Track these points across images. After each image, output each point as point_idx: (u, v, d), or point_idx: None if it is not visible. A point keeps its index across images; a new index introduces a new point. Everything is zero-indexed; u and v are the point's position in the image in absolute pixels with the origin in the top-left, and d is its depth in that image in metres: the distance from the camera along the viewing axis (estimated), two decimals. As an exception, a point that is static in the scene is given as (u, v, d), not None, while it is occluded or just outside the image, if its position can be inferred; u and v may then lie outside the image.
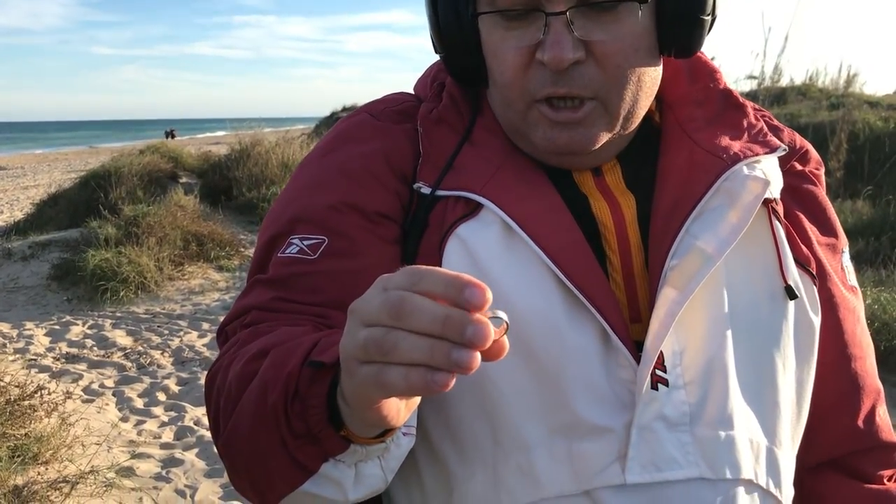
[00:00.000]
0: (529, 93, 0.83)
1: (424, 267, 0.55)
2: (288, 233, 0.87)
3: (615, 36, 0.80)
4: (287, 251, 0.85)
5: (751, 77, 8.78)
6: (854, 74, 11.85)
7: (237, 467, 0.76)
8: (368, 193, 0.87)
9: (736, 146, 0.87)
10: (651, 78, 0.86)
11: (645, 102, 0.86)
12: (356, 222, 0.86)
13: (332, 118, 20.46)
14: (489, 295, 0.52)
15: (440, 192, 0.86)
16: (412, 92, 1.00)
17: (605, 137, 0.85)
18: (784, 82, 11.86)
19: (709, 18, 0.85)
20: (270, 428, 0.69)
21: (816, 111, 10.15)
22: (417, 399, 0.62)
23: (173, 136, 26.80)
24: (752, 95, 10.82)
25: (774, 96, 11.02)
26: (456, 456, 0.83)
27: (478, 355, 0.51)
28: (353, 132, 0.94)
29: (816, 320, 0.87)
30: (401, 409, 0.61)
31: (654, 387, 0.79)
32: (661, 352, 0.80)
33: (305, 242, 0.85)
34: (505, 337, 0.54)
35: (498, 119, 0.90)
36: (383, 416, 0.59)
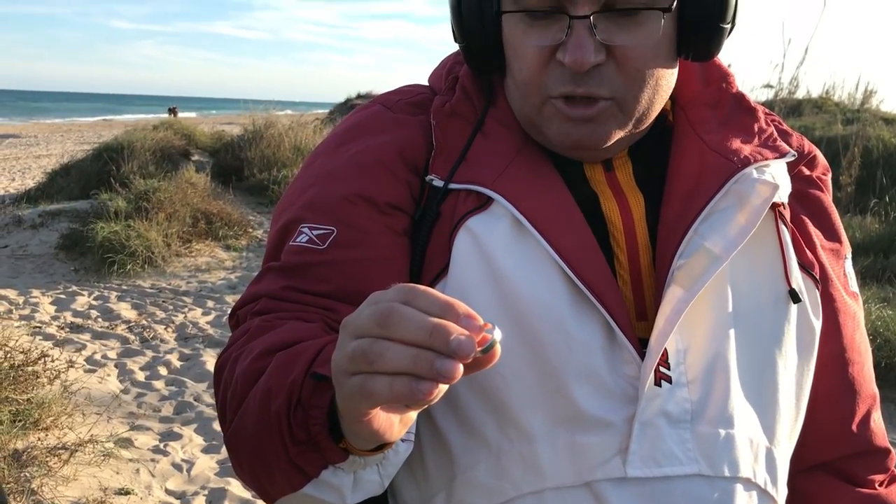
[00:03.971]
0: (546, 89, 0.84)
1: (419, 286, 0.56)
2: (299, 220, 0.88)
3: (636, 40, 0.81)
4: (298, 240, 0.87)
5: (768, 86, 8.76)
6: (871, 91, 11.80)
7: (241, 463, 0.77)
8: (380, 184, 0.88)
9: (746, 149, 0.88)
10: (667, 80, 0.87)
11: (659, 103, 0.88)
12: (367, 213, 0.87)
13: (347, 104, 20.45)
14: (482, 322, 0.54)
15: (452, 185, 0.87)
16: (427, 84, 1.01)
17: (618, 135, 0.86)
18: (801, 94, 11.82)
19: (728, 26, 0.86)
20: (273, 433, 0.70)
21: (831, 125, 10.11)
22: (413, 414, 0.63)
23: (176, 114, 26.80)
24: (768, 105, 10.78)
25: (790, 107, 10.98)
26: (460, 443, 0.84)
27: (460, 366, 0.52)
28: (367, 123, 0.95)
29: (818, 324, 0.89)
30: (394, 424, 0.61)
31: (657, 383, 0.80)
32: (666, 349, 0.81)
33: (315, 232, 0.86)
34: (497, 348, 0.55)
35: (513, 110, 0.92)
36: (374, 430, 0.60)
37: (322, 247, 0.85)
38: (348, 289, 0.83)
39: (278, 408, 0.69)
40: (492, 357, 0.54)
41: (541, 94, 0.85)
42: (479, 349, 0.53)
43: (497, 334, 0.55)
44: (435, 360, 0.52)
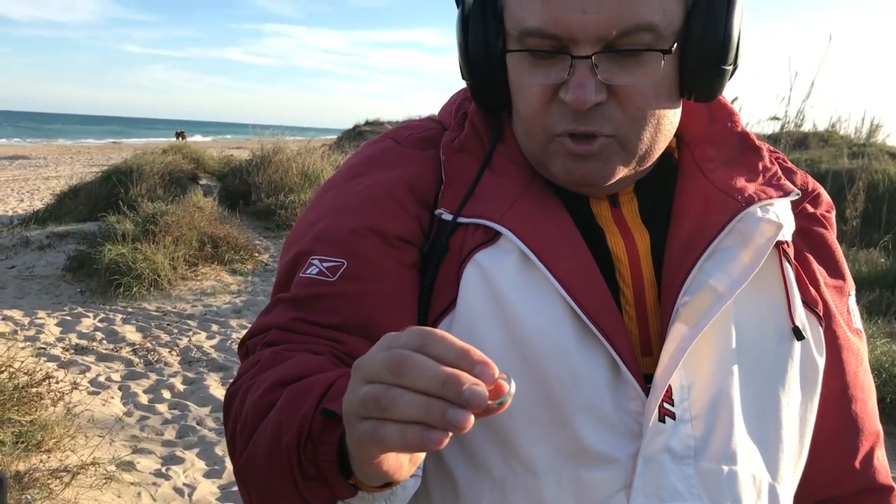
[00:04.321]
0: (550, 128, 0.85)
1: (434, 330, 0.56)
2: (309, 252, 0.89)
3: (638, 80, 0.82)
4: (308, 272, 0.88)
5: (774, 118, 8.80)
6: (878, 125, 11.86)
7: (250, 495, 0.78)
8: (390, 218, 0.89)
9: (751, 188, 0.89)
10: (670, 119, 0.88)
11: (663, 142, 0.89)
12: (376, 246, 0.88)
13: (355, 131, 20.57)
14: (497, 372, 0.54)
15: (461, 219, 0.88)
16: (437, 118, 1.03)
17: (621, 172, 0.87)
18: (807, 127, 11.86)
19: (731, 68, 0.87)
20: (283, 467, 0.71)
21: (837, 158, 10.14)
22: (422, 455, 0.64)
23: (183, 137, 26.96)
24: (774, 138, 10.82)
25: (796, 141, 11.02)
26: (465, 474, 0.85)
27: (472, 417, 0.53)
28: (378, 158, 0.96)
29: (821, 361, 0.90)
30: (403, 465, 0.62)
31: (661, 419, 0.81)
32: (670, 385, 0.82)
33: (325, 264, 0.87)
34: (509, 397, 0.55)
35: (520, 146, 0.93)
36: (384, 471, 0.60)
37: (332, 279, 0.86)
38: (357, 321, 0.84)
39: (288, 442, 0.70)
40: (503, 407, 0.55)
41: (545, 132, 0.86)
42: (492, 402, 0.54)
43: (512, 387, 0.55)
44: (447, 410, 0.52)
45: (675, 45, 0.83)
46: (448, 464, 0.85)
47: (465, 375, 0.53)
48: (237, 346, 0.92)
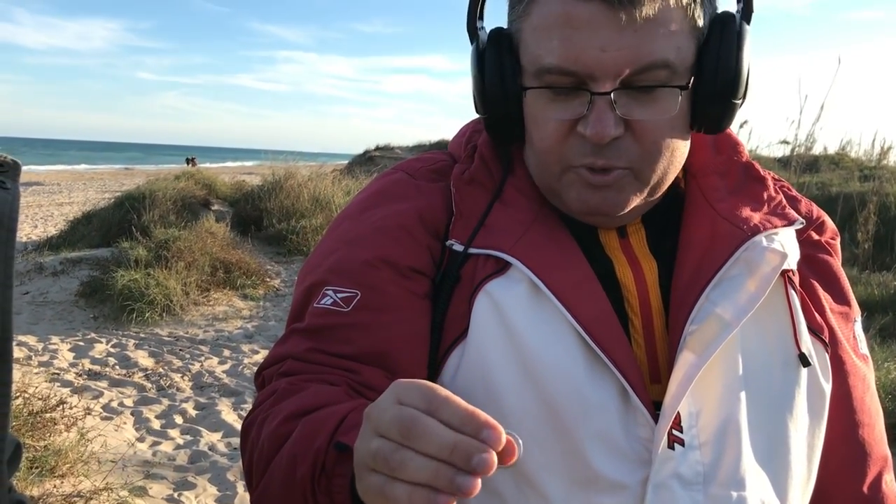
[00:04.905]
0: (567, 160, 0.87)
1: (442, 392, 0.58)
2: (323, 283, 0.92)
3: (654, 115, 0.84)
4: (322, 302, 0.90)
5: (784, 142, 8.80)
6: (889, 147, 11.83)
7: None
8: (402, 249, 0.91)
9: (756, 217, 0.91)
10: (681, 151, 0.90)
11: (673, 172, 0.91)
12: (389, 278, 0.90)
13: (365, 156, 20.67)
14: (503, 436, 0.56)
15: (472, 250, 0.90)
16: (448, 151, 1.05)
17: (634, 201, 0.89)
18: (817, 150, 11.85)
19: (740, 101, 0.89)
20: (298, 498, 0.73)
21: (848, 181, 10.12)
22: None
23: (194, 164, 27.12)
24: (784, 161, 10.81)
25: (807, 164, 11.01)
26: (478, 501, 0.86)
27: (479, 482, 0.55)
28: (391, 190, 0.99)
29: (828, 387, 0.91)
30: None
31: (670, 446, 0.82)
32: (678, 412, 0.83)
33: (339, 295, 0.89)
34: (517, 457, 0.58)
35: (533, 176, 0.95)
36: None
37: (346, 309, 0.88)
38: (371, 351, 0.86)
39: (303, 474, 0.72)
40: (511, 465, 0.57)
41: (561, 164, 0.88)
42: (504, 465, 0.56)
43: (519, 449, 0.58)
44: (455, 476, 0.55)
45: (690, 80, 0.85)
46: None
47: (473, 443, 0.55)
48: (254, 375, 0.94)
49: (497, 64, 0.90)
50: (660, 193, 0.92)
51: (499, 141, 0.96)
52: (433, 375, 0.88)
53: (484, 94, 0.91)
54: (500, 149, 0.98)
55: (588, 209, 0.89)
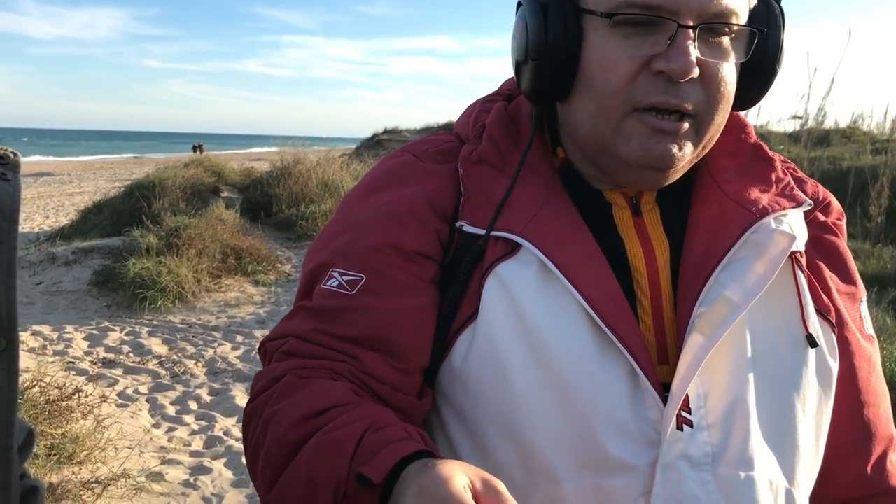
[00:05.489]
0: (634, 101, 0.85)
1: None
2: (329, 265, 0.92)
3: (722, 64, 0.86)
4: (328, 283, 0.90)
5: (795, 117, 8.73)
6: (900, 119, 11.70)
7: None
8: (409, 233, 0.91)
9: (764, 199, 0.91)
10: (726, 119, 0.91)
11: (716, 138, 0.92)
12: (396, 263, 0.90)
13: (373, 140, 20.64)
14: None
15: (478, 231, 0.90)
16: (454, 131, 1.04)
17: (686, 158, 0.88)
18: (828, 124, 11.75)
19: (778, 71, 0.93)
20: None
21: (860, 155, 10.04)
22: None
23: (202, 151, 27.10)
24: (795, 136, 10.73)
25: (818, 138, 10.92)
26: None
27: None
28: (397, 173, 0.98)
29: (835, 366, 0.91)
30: None
31: (679, 427, 0.83)
32: (687, 394, 0.84)
33: (345, 278, 0.90)
34: None
35: (579, 134, 0.92)
36: None
37: (351, 292, 0.89)
38: (373, 335, 0.87)
39: (325, 502, 0.73)
40: None
41: (625, 107, 0.86)
42: None
43: None
44: None
45: (766, 29, 0.89)
46: None
47: None
48: (258, 346, 0.95)
49: (559, 7, 0.88)
50: (699, 158, 0.93)
51: (539, 96, 0.93)
52: (443, 356, 0.89)
53: (545, 34, 0.88)
54: (507, 128, 0.97)
55: (650, 159, 0.86)
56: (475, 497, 0.63)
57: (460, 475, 0.64)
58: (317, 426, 0.78)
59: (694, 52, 0.83)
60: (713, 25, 0.84)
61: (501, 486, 0.65)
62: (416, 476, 0.67)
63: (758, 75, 0.91)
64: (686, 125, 0.86)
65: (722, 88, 0.86)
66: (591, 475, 0.83)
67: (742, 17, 0.86)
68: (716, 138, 0.91)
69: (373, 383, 0.85)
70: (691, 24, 0.82)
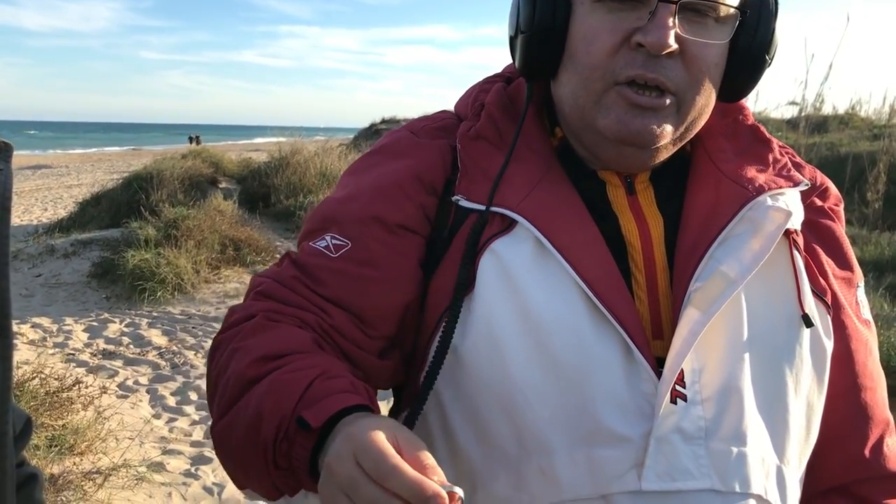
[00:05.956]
0: (614, 74, 0.87)
1: (391, 461, 0.63)
2: (322, 230, 0.96)
3: (705, 43, 0.87)
4: (317, 243, 0.95)
5: (793, 103, 8.72)
6: (898, 105, 11.68)
7: (224, 460, 0.87)
8: (394, 206, 0.94)
9: (761, 178, 0.92)
10: (711, 102, 0.92)
11: (701, 121, 0.92)
12: (378, 235, 0.93)
13: (372, 130, 20.60)
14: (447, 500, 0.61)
15: (475, 206, 0.91)
16: (453, 110, 1.06)
17: (667, 137, 0.89)
18: (826, 110, 11.73)
19: (769, 62, 0.93)
20: (258, 454, 0.78)
21: (858, 141, 10.03)
22: None
23: (199, 142, 26.98)
24: (793, 123, 10.71)
25: (816, 124, 10.90)
26: (481, 456, 0.87)
27: None
28: (391, 148, 1.02)
29: (829, 345, 0.92)
30: None
31: (673, 401, 0.83)
32: (682, 368, 0.84)
33: (333, 241, 0.94)
34: None
35: (564, 109, 0.94)
36: None
37: (333, 255, 0.93)
38: (345, 298, 0.91)
39: (265, 436, 0.77)
40: None
41: (605, 80, 0.87)
42: None
43: (460, 490, 0.63)
44: None
45: (746, 14, 0.89)
46: (463, 448, 0.88)
47: None
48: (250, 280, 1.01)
49: None
50: (684, 141, 0.93)
51: (530, 70, 0.95)
52: (436, 331, 0.90)
53: (533, 10, 0.91)
54: (506, 106, 0.99)
55: (627, 134, 0.88)
56: (397, 450, 0.66)
57: (387, 428, 0.68)
58: (275, 367, 0.82)
59: (673, 28, 0.84)
60: (697, 5, 0.85)
61: (424, 447, 0.68)
62: (348, 425, 0.71)
63: (746, 63, 0.91)
64: (667, 101, 0.87)
65: (703, 68, 0.87)
66: (584, 446, 0.83)
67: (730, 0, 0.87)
68: (700, 122, 0.92)
69: (337, 337, 0.89)
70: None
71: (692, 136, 0.93)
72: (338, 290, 0.91)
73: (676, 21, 0.84)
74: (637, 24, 0.85)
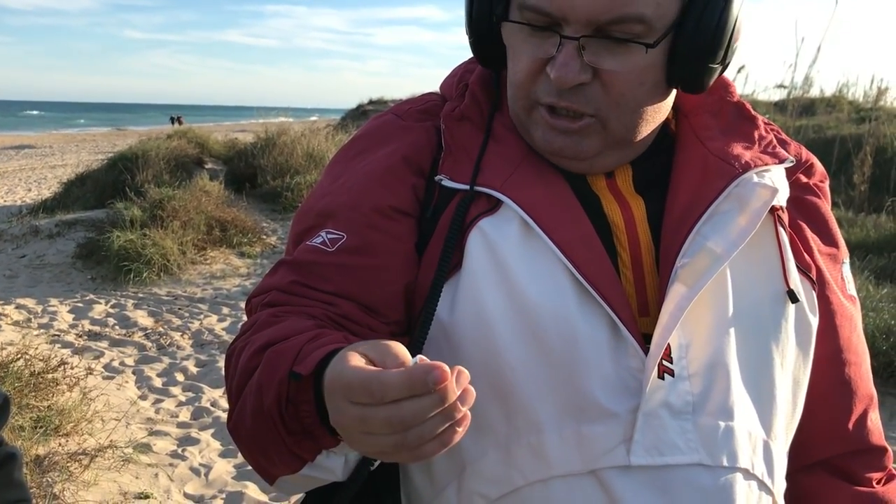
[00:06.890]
0: (535, 96, 0.89)
1: (380, 377, 0.62)
2: (316, 226, 0.95)
3: (623, 67, 0.84)
4: (313, 241, 0.93)
5: (781, 86, 8.74)
6: (885, 88, 11.75)
7: (243, 449, 0.85)
8: (387, 191, 0.94)
9: (747, 155, 0.92)
10: (654, 107, 0.90)
11: (646, 128, 0.91)
12: (374, 222, 0.92)
13: (359, 110, 20.52)
14: (447, 370, 0.60)
15: (458, 186, 0.91)
16: (439, 92, 1.06)
17: (598, 150, 0.90)
18: (814, 93, 11.77)
19: (718, 66, 0.89)
20: (269, 426, 0.78)
21: (844, 123, 10.08)
22: None
23: (180, 123, 26.78)
24: (781, 105, 10.75)
25: (803, 107, 10.95)
26: (469, 434, 0.87)
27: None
28: (378, 133, 1.01)
29: (814, 321, 0.92)
30: None
31: (660, 376, 0.84)
32: (668, 344, 0.84)
33: (329, 236, 0.92)
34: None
35: (509, 108, 0.96)
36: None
37: (330, 250, 0.91)
38: (348, 290, 0.89)
39: (270, 404, 0.76)
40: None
41: (528, 100, 0.90)
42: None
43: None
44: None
45: (662, 39, 0.85)
46: None
47: (421, 403, 0.61)
48: (245, 303, 0.98)
49: None
50: (635, 146, 0.93)
51: (486, 65, 0.98)
52: (425, 306, 0.89)
53: (471, 19, 0.94)
54: (489, 86, 0.99)
55: (552, 150, 0.90)
56: (373, 363, 0.66)
57: (353, 356, 0.66)
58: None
59: (578, 63, 0.83)
60: (607, 32, 0.83)
61: (394, 345, 0.67)
62: (327, 375, 0.70)
63: (689, 62, 0.87)
64: (585, 122, 0.87)
65: (624, 89, 0.86)
66: (572, 422, 0.84)
67: (652, 16, 0.82)
68: (648, 124, 0.91)
69: (349, 325, 0.88)
70: (578, 33, 0.83)
71: (642, 137, 0.92)
72: (340, 283, 0.90)
73: (584, 53, 0.83)
74: (551, 53, 0.85)
